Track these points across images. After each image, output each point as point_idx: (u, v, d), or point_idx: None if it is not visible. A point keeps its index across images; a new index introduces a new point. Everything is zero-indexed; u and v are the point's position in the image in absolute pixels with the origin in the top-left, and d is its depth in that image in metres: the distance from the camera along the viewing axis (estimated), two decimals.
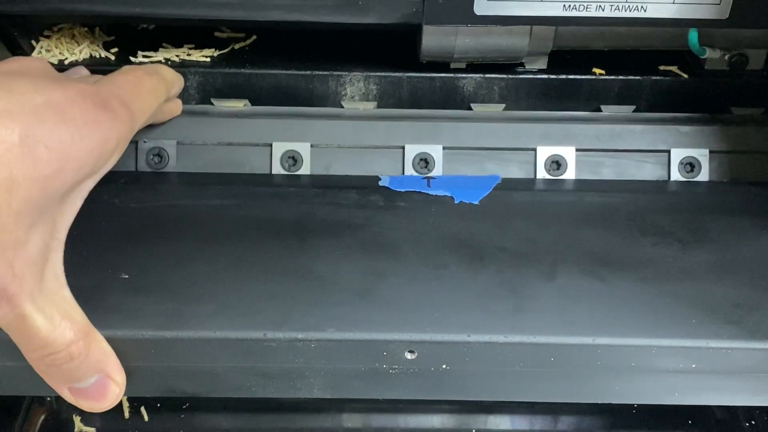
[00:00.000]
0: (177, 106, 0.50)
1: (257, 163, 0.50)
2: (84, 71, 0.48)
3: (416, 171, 0.50)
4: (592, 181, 0.50)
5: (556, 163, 0.51)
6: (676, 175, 0.51)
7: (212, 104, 0.52)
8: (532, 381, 0.41)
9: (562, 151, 0.51)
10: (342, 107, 0.52)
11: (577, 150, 0.51)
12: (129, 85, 0.41)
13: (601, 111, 0.53)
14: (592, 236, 0.45)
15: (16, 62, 0.38)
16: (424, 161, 0.50)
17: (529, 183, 0.50)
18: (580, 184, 0.50)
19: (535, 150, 0.51)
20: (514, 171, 0.51)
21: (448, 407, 0.61)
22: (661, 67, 0.54)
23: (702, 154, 0.51)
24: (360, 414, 0.61)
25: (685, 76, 0.54)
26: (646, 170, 0.51)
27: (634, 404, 0.60)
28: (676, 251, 0.44)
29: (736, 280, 0.42)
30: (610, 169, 0.51)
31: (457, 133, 0.51)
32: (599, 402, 0.43)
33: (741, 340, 0.39)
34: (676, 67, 0.54)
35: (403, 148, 0.51)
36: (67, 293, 0.37)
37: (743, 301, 0.41)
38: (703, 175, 0.51)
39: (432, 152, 0.51)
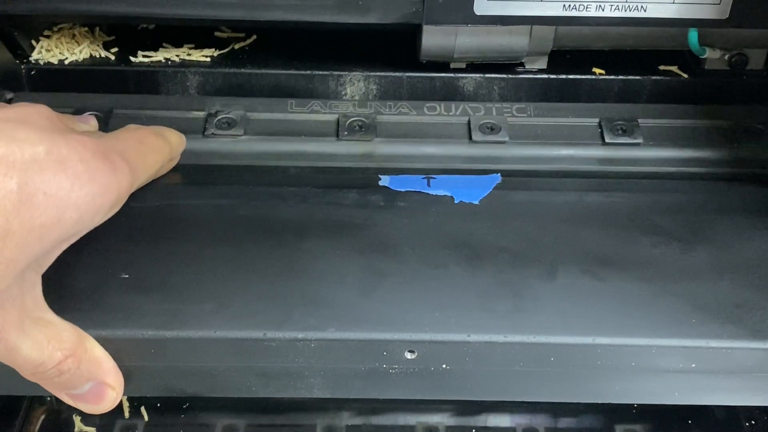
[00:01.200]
0: (175, 160, 0.49)
1: None
2: (93, 121, 0.48)
3: None
4: (592, 180, 0.50)
5: None
6: None
7: (208, 136, 0.50)
8: (532, 381, 0.41)
9: None
10: (338, 138, 0.50)
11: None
12: (132, 142, 0.41)
13: (605, 141, 0.50)
14: (592, 236, 0.45)
15: (21, 109, 0.37)
16: None
17: (529, 183, 0.50)
18: (580, 184, 0.50)
19: None
20: None
21: (448, 406, 0.61)
22: (661, 67, 0.54)
23: None
24: (360, 413, 0.61)
25: (685, 76, 0.54)
26: None
27: (634, 404, 0.60)
28: (676, 251, 0.44)
29: (736, 280, 0.42)
30: None
31: None
32: (599, 402, 0.43)
33: (741, 340, 0.39)
34: (676, 67, 0.54)
35: None
36: (50, 316, 0.37)
37: (743, 301, 0.41)
38: None
39: None
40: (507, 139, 0.50)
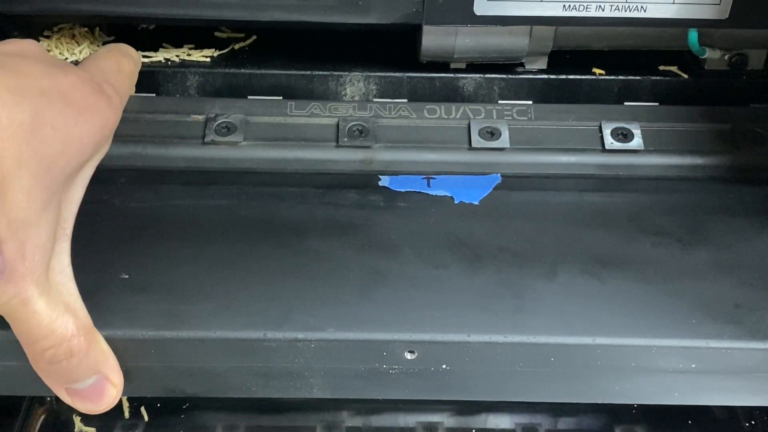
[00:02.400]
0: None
1: None
2: None
3: None
4: (592, 180, 0.50)
5: None
6: None
7: (207, 143, 0.49)
8: (532, 381, 0.41)
9: None
10: (338, 144, 0.49)
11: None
12: (114, 71, 0.41)
13: (604, 147, 0.50)
14: (592, 236, 0.45)
15: (15, 44, 0.38)
16: None
17: (529, 183, 0.50)
18: (580, 184, 0.50)
19: None
20: None
21: (448, 406, 0.61)
22: (661, 67, 0.54)
23: None
24: (360, 413, 0.61)
25: (685, 76, 0.54)
26: None
27: (634, 404, 0.60)
28: (676, 251, 0.44)
29: (736, 280, 0.42)
30: None
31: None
32: (599, 402, 0.43)
33: (741, 340, 0.39)
34: (676, 67, 0.54)
35: None
36: (72, 287, 0.37)
37: (743, 301, 0.41)
38: None
39: None
40: (507, 145, 0.50)
